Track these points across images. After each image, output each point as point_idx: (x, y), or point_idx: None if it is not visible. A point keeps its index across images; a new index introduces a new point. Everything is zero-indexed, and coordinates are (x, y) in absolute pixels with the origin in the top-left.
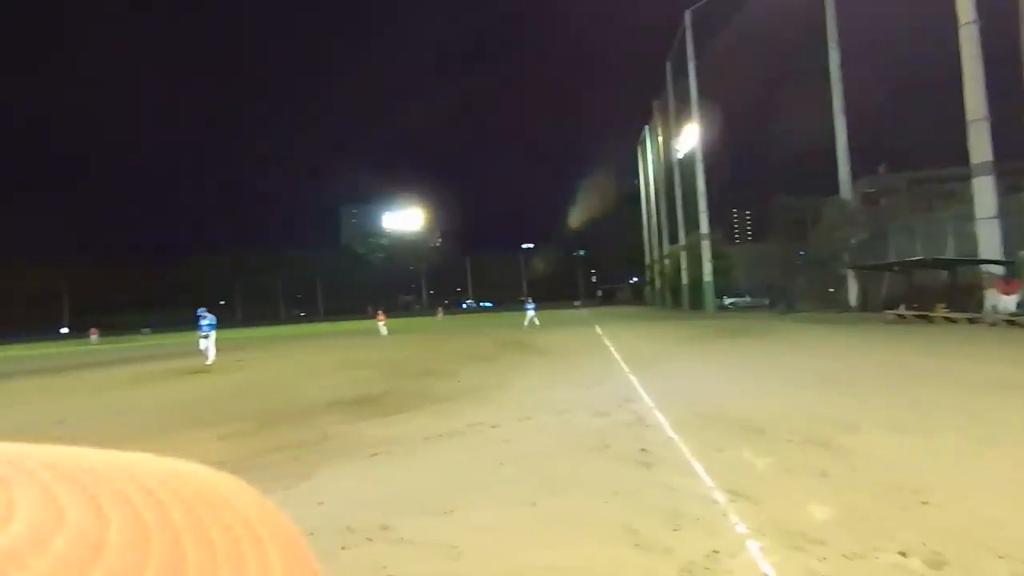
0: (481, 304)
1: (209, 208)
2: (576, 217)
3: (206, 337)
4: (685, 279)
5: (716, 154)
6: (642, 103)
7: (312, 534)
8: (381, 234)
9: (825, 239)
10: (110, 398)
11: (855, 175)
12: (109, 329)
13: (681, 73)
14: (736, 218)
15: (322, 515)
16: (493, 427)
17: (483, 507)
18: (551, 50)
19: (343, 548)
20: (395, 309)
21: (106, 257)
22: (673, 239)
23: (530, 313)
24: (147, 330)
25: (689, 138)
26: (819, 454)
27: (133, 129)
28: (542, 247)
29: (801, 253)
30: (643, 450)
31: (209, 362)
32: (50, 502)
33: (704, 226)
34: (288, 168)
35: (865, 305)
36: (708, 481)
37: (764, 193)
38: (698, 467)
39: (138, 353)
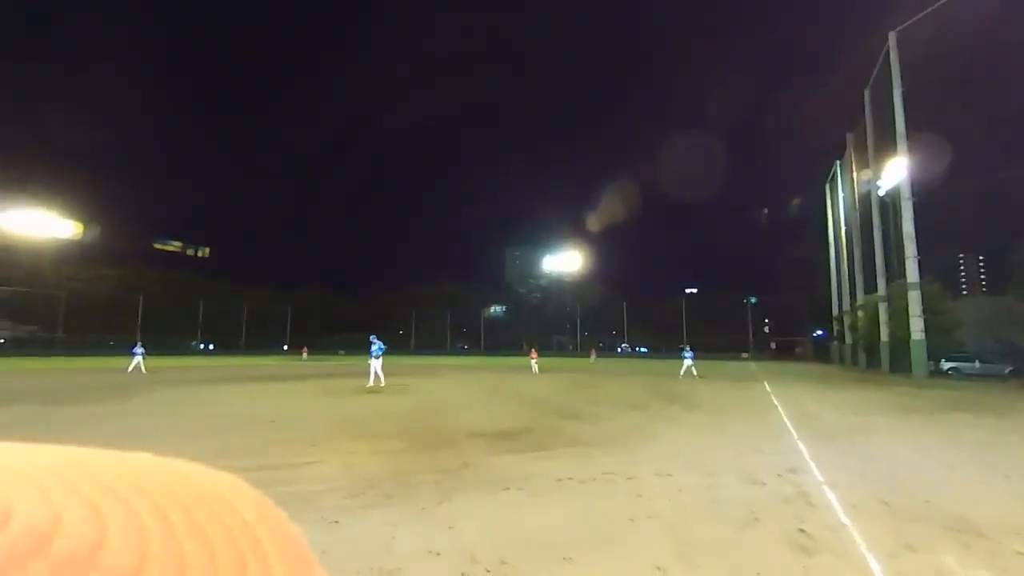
0: (637, 349)
1: (404, 250)
2: (748, 260)
3: (377, 359)
4: (885, 336)
5: (931, 191)
6: (834, 137)
7: (439, 554)
8: (540, 275)
9: None
10: (302, 406)
11: None
12: (316, 349)
13: (882, 102)
14: (963, 266)
15: (451, 539)
16: (628, 479)
17: (603, 561)
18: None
19: (463, 574)
20: (549, 348)
21: (319, 287)
22: (870, 288)
23: (687, 362)
24: (343, 351)
25: (894, 173)
26: None
27: (350, 182)
28: (707, 292)
29: None
30: (802, 531)
31: (376, 383)
32: (48, 503)
33: (912, 273)
34: (473, 212)
35: None
36: None
37: (1003, 237)
38: (874, 565)
39: (333, 370)
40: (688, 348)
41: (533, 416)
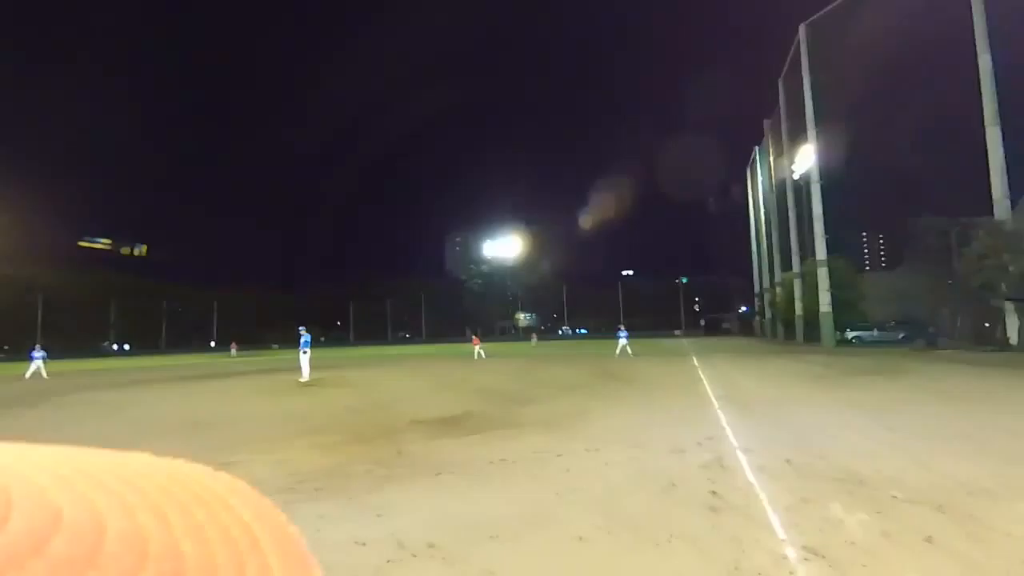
0: (576, 331)
1: (331, 239)
2: (678, 243)
3: (304, 354)
4: (799, 310)
5: (839, 175)
6: (753, 124)
7: (364, 544)
8: (481, 261)
9: (976, 266)
10: (232, 405)
11: (1016, 193)
12: (245, 345)
13: (795, 90)
14: (867, 243)
15: (378, 527)
16: (558, 456)
17: (528, 536)
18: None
19: (388, 561)
20: (492, 334)
21: (249, 283)
22: (786, 266)
23: (622, 341)
24: (276, 345)
25: (805, 158)
26: (930, 517)
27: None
28: (642, 275)
29: (949, 282)
30: (714, 493)
31: (303, 379)
32: (47, 503)
33: (821, 252)
34: (401, 201)
35: None
36: (781, 534)
37: (900, 215)
38: (773, 518)
39: (266, 366)
40: (622, 328)
41: (473, 402)
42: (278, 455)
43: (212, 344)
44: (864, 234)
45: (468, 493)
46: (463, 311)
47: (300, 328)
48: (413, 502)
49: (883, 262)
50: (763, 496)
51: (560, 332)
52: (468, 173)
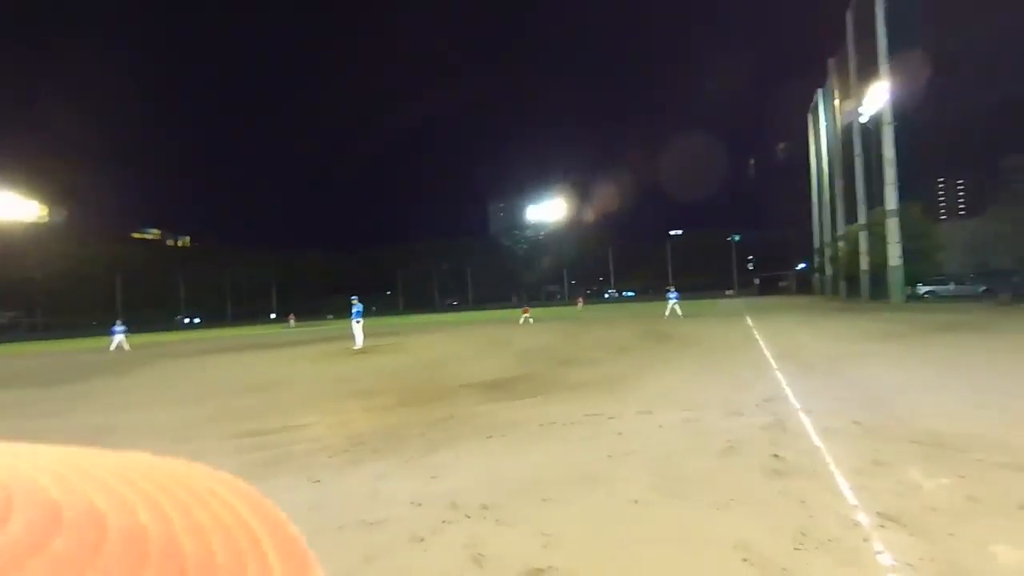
0: (623, 294)
1: (381, 206)
2: (730, 198)
3: (357, 323)
4: (865, 264)
5: (914, 115)
6: (813, 64)
7: (420, 504)
8: (526, 226)
9: None
10: (293, 371)
11: None
12: (303, 315)
13: (865, 21)
14: (943, 191)
15: (432, 489)
16: (610, 419)
17: (581, 498)
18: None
19: (443, 522)
20: (539, 298)
21: (303, 251)
22: (851, 218)
23: (672, 302)
24: (331, 316)
25: (877, 97)
26: (1022, 481)
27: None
28: (692, 233)
29: None
30: (776, 456)
31: (358, 346)
32: (48, 503)
33: (892, 201)
34: (446, 163)
35: None
36: (852, 499)
37: (984, 159)
38: (842, 482)
39: (323, 335)
40: (672, 289)
41: (522, 365)
42: (337, 417)
43: (272, 316)
44: (941, 180)
45: (520, 455)
46: (509, 276)
47: (352, 298)
48: (466, 464)
49: (961, 210)
50: (830, 459)
51: (606, 295)
52: (512, 136)
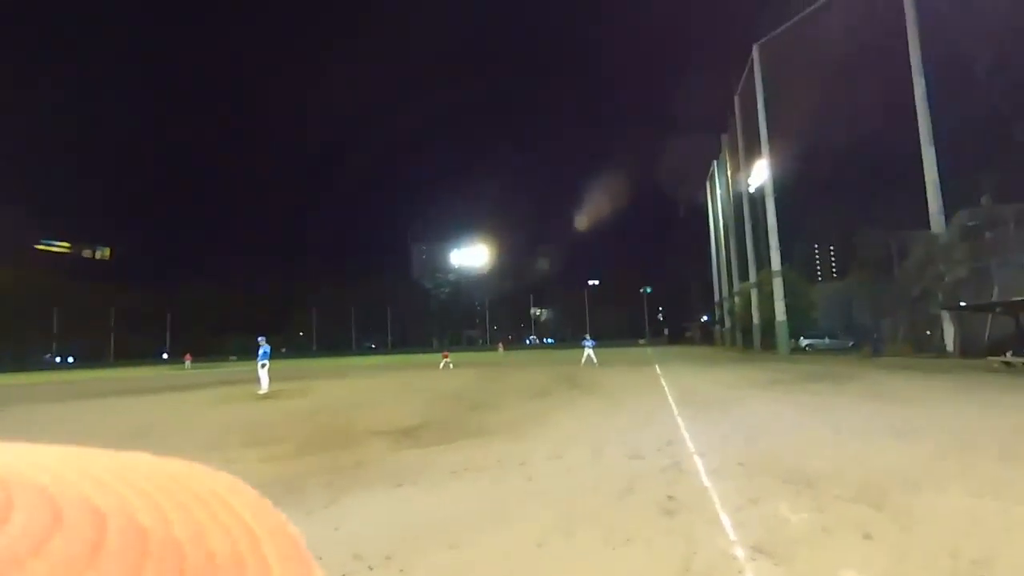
0: (544, 340)
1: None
2: (643, 253)
3: (263, 366)
4: (756, 319)
5: (792, 188)
6: (713, 140)
7: (320, 558)
8: (448, 269)
9: (915, 276)
10: (186, 417)
11: (954, 206)
12: (203, 355)
13: (750, 107)
14: (819, 254)
15: (335, 540)
16: (521, 464)
17: (487, 544)
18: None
19: (343, 575)
20: (459, 343)
21: (202, 284)
22: (744, 276)
23: (588, 350)
24: (234, 357)
25: (760, 173)
26: (868, 514)
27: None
28: (607, 284)
29: (890, 292)
30: (670, 497)
31: (263, 391)
32: (48, 503)
33: (776, 263)
34: (366, 206)
35: (967, 350)
36: (732, 535)
37: (848, 228)
38: (725, 519)
39: (224, 377)
40: (588, 337)
41: (438, 411)
42: (232, 466)
43: (164, 356)
44: (816, 246)
45: (428, 503)
46: (431, 319)
47: (259, 338)
48: (372, 513)
49: (834, 272)
50: (716, 498)
51: (527, 341)
52: (434, 182)
